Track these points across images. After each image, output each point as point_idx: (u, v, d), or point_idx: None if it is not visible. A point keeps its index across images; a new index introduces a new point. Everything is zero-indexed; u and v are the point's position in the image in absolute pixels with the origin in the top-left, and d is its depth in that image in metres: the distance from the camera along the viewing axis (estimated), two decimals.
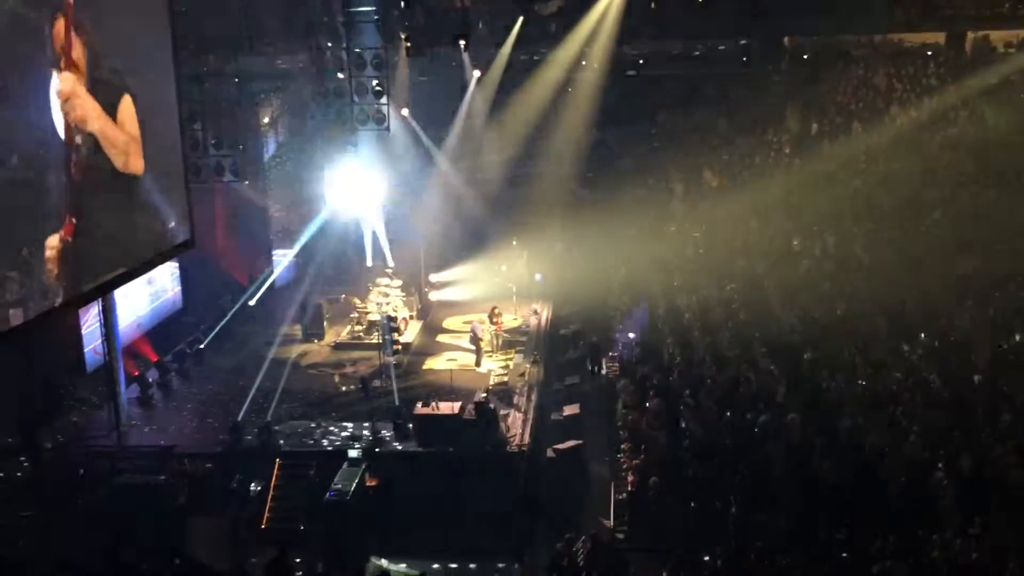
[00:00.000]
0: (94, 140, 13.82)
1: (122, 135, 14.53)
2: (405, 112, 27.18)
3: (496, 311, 22.58)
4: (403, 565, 15.18)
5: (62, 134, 12.74)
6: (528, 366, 20.89)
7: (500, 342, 22.38)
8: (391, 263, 25.26)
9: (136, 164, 15.03)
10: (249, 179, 20.55)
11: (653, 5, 27.28)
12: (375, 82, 17.43)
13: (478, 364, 21.45)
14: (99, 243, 14.10)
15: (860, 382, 17.68)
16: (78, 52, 13.19)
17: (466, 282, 27.40)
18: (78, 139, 13.38)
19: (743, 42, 32.72)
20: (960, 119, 29.09)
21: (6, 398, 17.01)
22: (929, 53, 32.33)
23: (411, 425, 17.53)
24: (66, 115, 12.83)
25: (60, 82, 12.71)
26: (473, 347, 21.82)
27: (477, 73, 28.08)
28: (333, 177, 25.16)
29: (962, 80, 28.90)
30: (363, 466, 16.26)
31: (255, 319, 24.42)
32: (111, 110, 14.30)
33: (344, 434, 17.91)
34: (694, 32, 30.96)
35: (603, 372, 21.66)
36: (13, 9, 11.75)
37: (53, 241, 12.69)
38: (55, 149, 12.61)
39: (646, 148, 32.23)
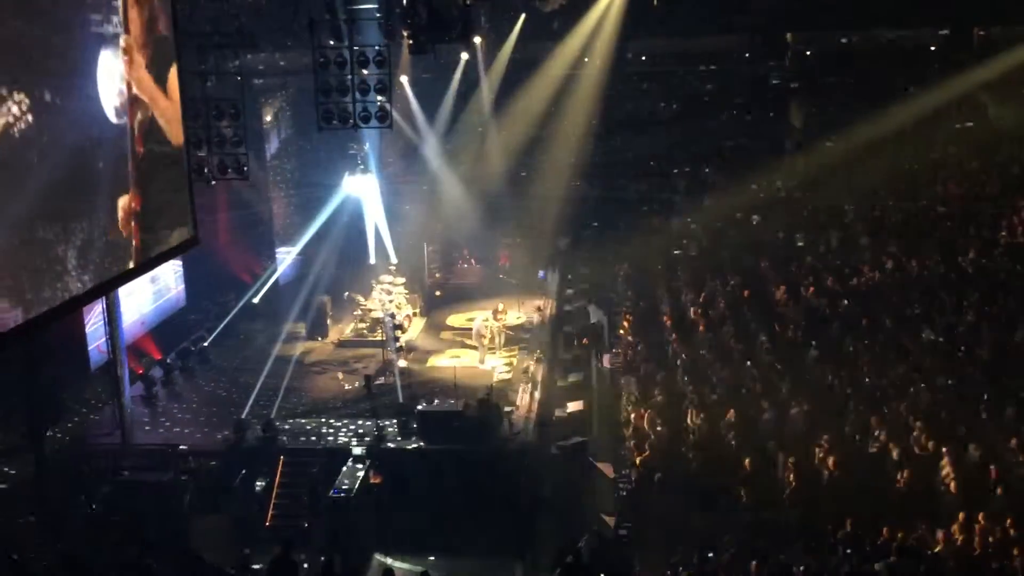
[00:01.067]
0: (151, 114, 14.59)
1: (172, 107, 15.24)
2: (408, 109, 27.17)
3: (501, 308, 22.58)
4: (407, 562, 15.22)
5: (122, 110, 13.35)
6: (532, 363, 20.89)
7: (503, 339, 22.38)
8: (394, 260, 25.27)
9: (179, 136, 15.69)
10: (252, 177, 20.48)
11: (655, 2, 27.21)
12: (377, 80, 17.40)
13: (481, 361, 21.45)
14: (162, 212, 14.99)
15: (864, 377, 17.68)
16: (136, 19, 13.86)
17: (470, 279, 27.41)
18: (139, 114, 14.08)
19: (747, 38, 32.65)
20: (964, 114, 29.05)
21: (10, 397, 17.04)
22: (932, 49, 32.26)
23: (415, 422, 17.52)
24: (128, 88, 13.53)
25: (122, 54, 13.35)
26: (476, 344, 21.81)
27: (483, 70, 28.08)
28: (336, 175, 25.18)
29: (966, 75, 28.82)
30: (367, 463, 16.26)
31: (259, 317, 24.45)
32: (163, 80, 14.96)
33: (348, 432, 17.93)
34: (696, 29, 30.89)
35: (605, 366, 21.68)
36: None
37: (121, 211, 13.46)
38: (118, 122, 13.23)
39: (649, 144, 32.20)
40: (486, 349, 21.66)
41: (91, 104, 12.59)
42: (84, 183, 12.53)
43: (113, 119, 13.09)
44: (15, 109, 10.62)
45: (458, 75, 27.81)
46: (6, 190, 10.58)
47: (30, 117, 10.86)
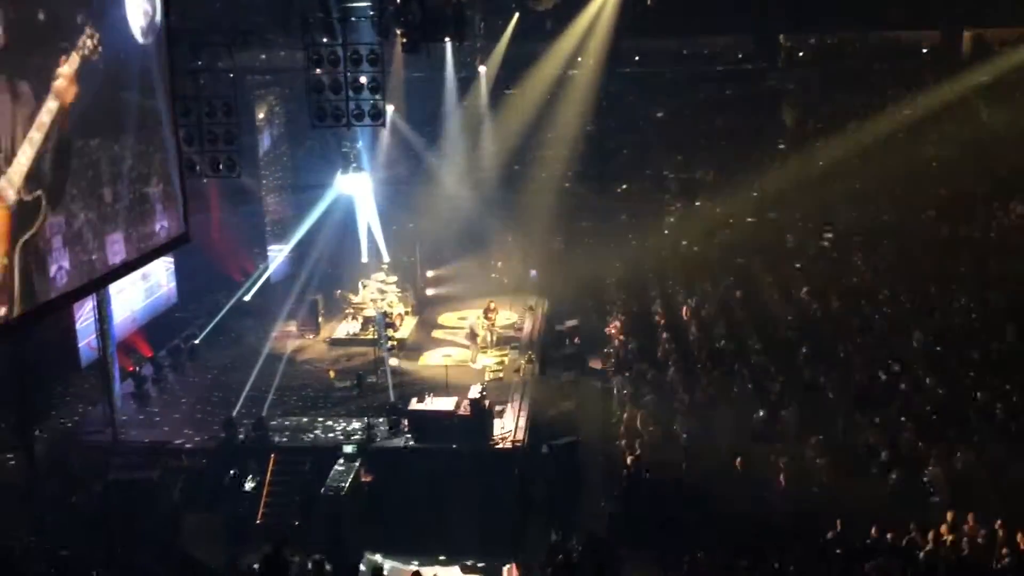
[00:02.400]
0: None
1: None
2: (400, 108, 27.15)
3: (492, 307, 22.58)
4: (397, 561, 15.21)
5: (148, 30, 14.48)
6: (523, 362, 20.89)
7: (495, 338, 22.37)
8: (386, 259, 25.24)
9: None
10: (244, 175, 20.44)
11: (649, 1, 27.25)
12: (371, 78, 17.40)
13: (473, 360, 21.45)
14: None
15: (855, 378, 17.73)
16: None
17: (461, 278, 27.38)
18: None
19: (739, 39, 32.73)
20: (956, 117, 29.16)
21: (0, 393, 16.98)
22: (925, 51, 32.39)
23: (406, 421, 17.51)
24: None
25: None
26: (469, 343, 21.80)
27: (483, 69, 28.08)
28: (329, 173, 25.14)
29: (958, 78, 28.95)
30: (358, 462, 16.24)
31: (250, 314, 24.38)
32: None
33: (339, 430, 17.89)
34: (690, 29, 30.95)
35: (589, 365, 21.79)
36: None
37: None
38: (144, 42, 14.42)
39: (642, 145, 32.24)
40: (478, 348, 21.64)
41: (122, 26, 13.56)
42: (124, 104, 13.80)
43: (140, 39, 14.05)
44: (90, 43, 11.95)
45: (450, 74, 27.83)
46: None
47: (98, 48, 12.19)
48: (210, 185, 22.76)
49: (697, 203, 29.60)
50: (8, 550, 13.70)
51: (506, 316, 24.02)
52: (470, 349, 21.68)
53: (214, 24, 18.07)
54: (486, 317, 22.27)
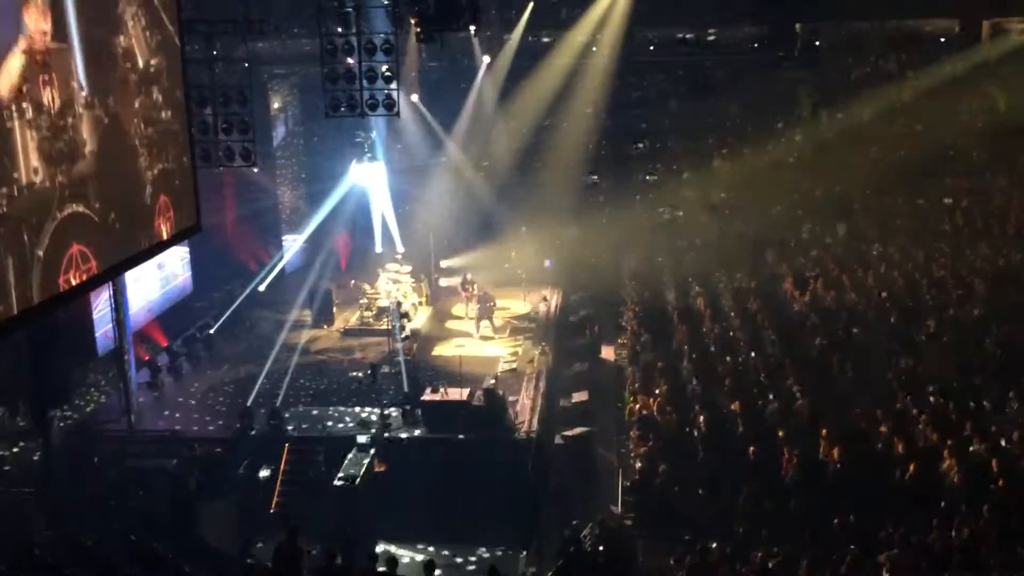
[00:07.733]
0: None
1: None
2: (415, 98, 27.13)
3: (468, 278, 22.76)
4: (411, 551, 15.25)
5: None
6: (537, 353, 20.89)
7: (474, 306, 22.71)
8: (400, 249, 25.25)
9: None
10: (259, 164, 20.50)
11: None
12: (385, 67, 17.40)
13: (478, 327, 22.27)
14: None
15: (869, 369, 17.66)
16: None
17: (476, 268, 27.39)
18: None
19: (754, 28, 32.51)
20: (972, 106, 28.93)
21: (17, 382, 17.08)
22: (943, 40, 32.09)
23: (420, 411, 17.54)
24: None
25: None
26: (482, 318, 22.36)
27: (487, 59, 27.99)
28: (343, 163, 25.18)
29: (975, 66, 28.71)
30: (372, 452, 16.29)
31: (265, 304, 24.46)
32: None
33: (353, 420, 17.94)
34: (705, 18, 30.77)
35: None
36: None
37: None
38: None
39: (656, 135, 32.12)
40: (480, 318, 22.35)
41: None
42: None
43: None
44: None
45: (465, 64, 27.81)
46: None
47: None
48: (225, 175, 22.81)
49: (712, 192, 29.48)
50: (26, 537, 13.79)
51: (521, 304, 24.13)
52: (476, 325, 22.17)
53: (229, 13, 18.09)
54: (462, 289, 22.42)
